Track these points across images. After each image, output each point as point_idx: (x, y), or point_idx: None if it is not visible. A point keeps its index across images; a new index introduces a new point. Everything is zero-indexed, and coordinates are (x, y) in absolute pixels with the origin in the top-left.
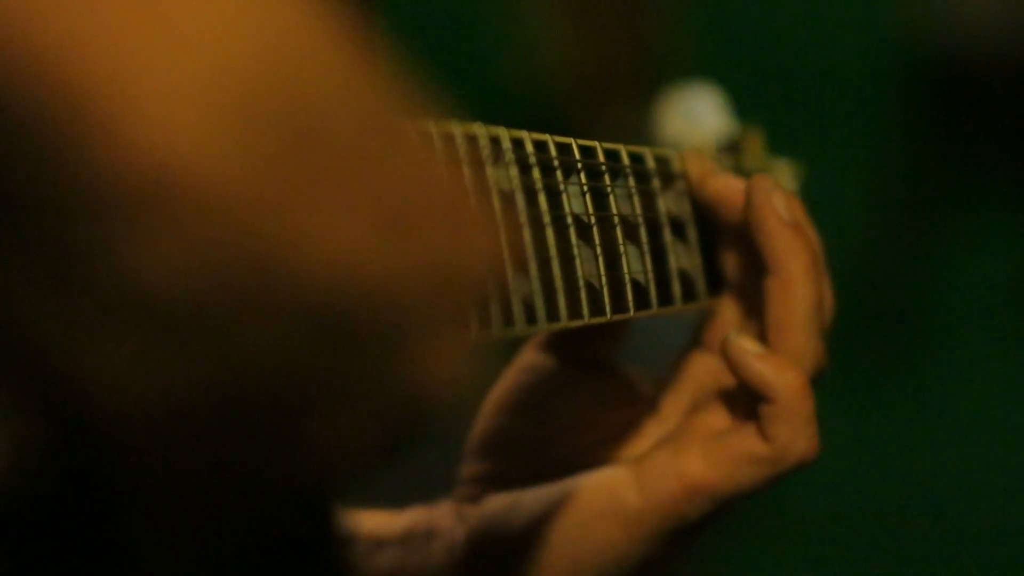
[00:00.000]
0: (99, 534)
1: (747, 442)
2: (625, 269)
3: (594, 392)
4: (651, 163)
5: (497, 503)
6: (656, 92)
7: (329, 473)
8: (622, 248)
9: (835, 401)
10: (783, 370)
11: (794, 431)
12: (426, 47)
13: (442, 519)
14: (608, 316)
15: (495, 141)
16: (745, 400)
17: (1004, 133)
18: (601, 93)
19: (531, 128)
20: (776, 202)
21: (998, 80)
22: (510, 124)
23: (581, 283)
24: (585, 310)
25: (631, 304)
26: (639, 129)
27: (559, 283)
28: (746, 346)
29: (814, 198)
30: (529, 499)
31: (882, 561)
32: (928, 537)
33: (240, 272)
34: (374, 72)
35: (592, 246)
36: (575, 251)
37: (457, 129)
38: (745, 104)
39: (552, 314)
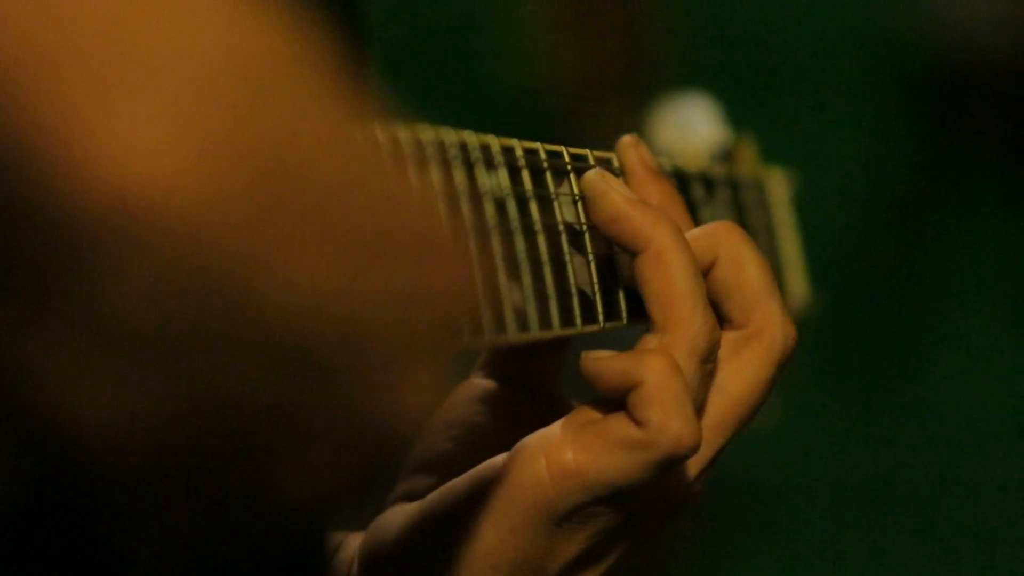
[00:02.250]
0: (69, 558)
1: (618, 426)
2: (619, 277)
3: (527, 415)
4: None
5: (384, 516)
6: (649, 99)
7: (302, 503)
8: (617, 255)
9: (835, 401)
10: (643, 356)
11: (665, 413)
12: (421, 56)
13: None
14: (601, 325)
15: (485, 148)
16: (617, 398)
17: (999, 135)
18: (595, 100)
19: (526, 135)
20: (615, 186)
21: (992, 83)
22: (504, 131)
23: (574, 291)
24: (578, 318)
25: (624, 313)
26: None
27: (551, 291)
28: (598, 354)
29: (809, 203)
30: (414, 504)
31: (880, 559)
32: (925, 529)
33: (207, 302)
34: (347, 104)
35: (584, 254)
36: (567, 259)
37: (447, 137)
38: (738, 112)
39: (544, 322)
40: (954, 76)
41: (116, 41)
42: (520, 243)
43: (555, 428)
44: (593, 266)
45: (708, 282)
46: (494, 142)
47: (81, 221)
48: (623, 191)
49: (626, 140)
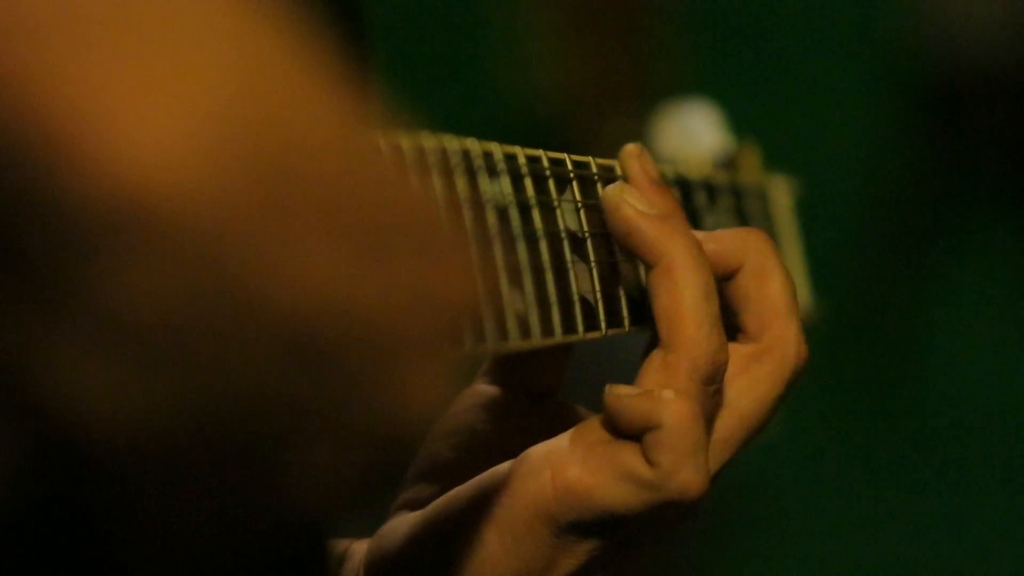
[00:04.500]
0: (74, 556)
1: (630, 458)
2: (621, 284)
3: (531, 422)
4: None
5: (388, 524)
6: (652, 106)
7: (311, 500)
8: (618, 263)
9: (838, 407)
10: (667, 400)
11: (678, 459)
12: (424, 64)
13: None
14: (603, 331)
15: (488, 155)
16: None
17: (1003, 143)
18: (598, 109)
19: (528, 143)
20: (631, 200)
21: (996, 91)
22: (507, 139)
23: (576, 298)
24: (580, 325)
25: (626, 320)
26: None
27: (553, 298)
28: (621, 389)
29: (812, 210)
30: (417, 513)
31: (881, 560)
32: (928, 531)
33: (217, 299)
34: (353, 103)
35: (587, 261)
36: (569, 266)
37: (449, 144)
38: (740, 119)
39: (547, 329)
40: (957, 83)
41: (125, 38)
42: (522, 250)
43: (563, 441)
44: (595, 273)
45: (730, 289)
46: (497, 149)
47: (91, 218)
48: (639, 204)
49: (629, 149)
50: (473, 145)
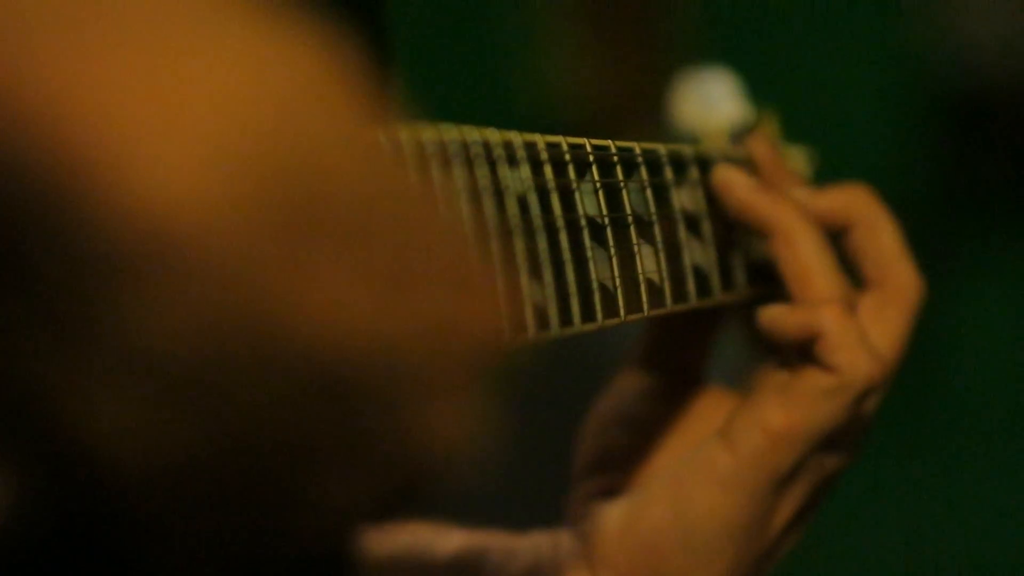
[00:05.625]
0: None
1: (814, 379)
2: (639, 269)
3: (689, 404)
4: (664, 157)
5: (597, 515)
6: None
7: (331, 532)
8: (636, 247)
9: None
10: (816, 308)
11: (852, 354)
12: (443, 76)
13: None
14: (622, 317)
15: (508, 145)
16: (801, 352)
17: (1016, 151)
18: (616, 118)
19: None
20: (737, 180)
21: (1012, 95)
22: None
23: (595, 285)
24: (599, 313)
25: (645, 304)
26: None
27: (572, 287)
28: (773, 312)
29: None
30: (632, 498)
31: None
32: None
33: (239, 333)
34: (379, 135)
35: (606, 247)
36: (589, 253)
37: (469, 136)
38: (759, 90)
39: (565, 319)
40: (976, 83)
41: (148, 63)
42: (542, 239)
43: (754, 401)
44: (615, 260)
45: (847, 244)
46: (516, 138)
47: (110, 246)
48: (745, 182)
49: (759, 134)
50: (493, 135)
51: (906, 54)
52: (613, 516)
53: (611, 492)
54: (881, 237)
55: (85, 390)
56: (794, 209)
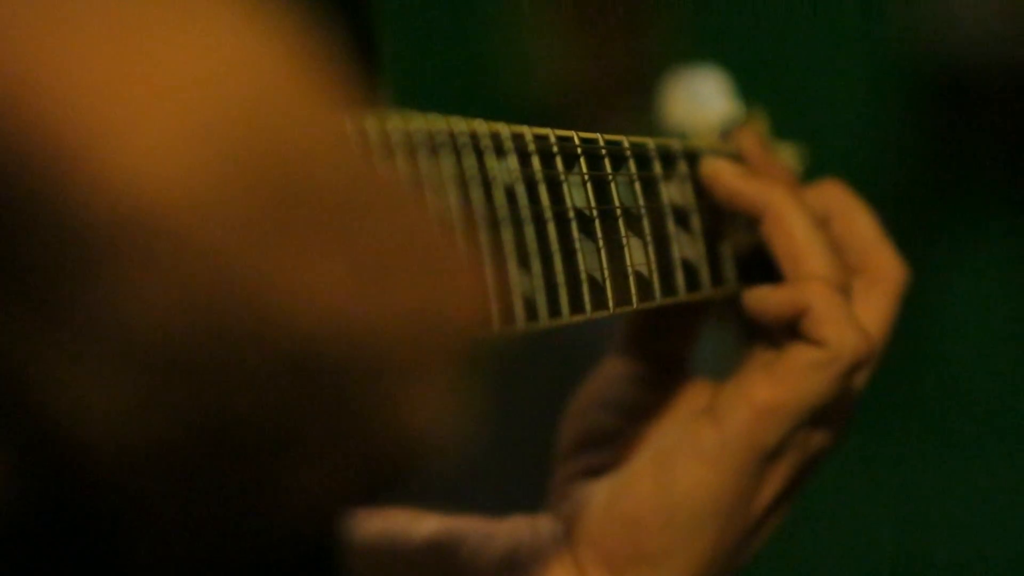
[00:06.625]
0: (72, 568)
1: (801, 353)
2: (628, 261)
3: (673, 393)
4: (653, 151)
5: (581, 493)
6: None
7: (311, 516)
8: (624, 240)
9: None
10: (802, 284)
11: (839, 327)
12: (426, 61)
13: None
14: (611, 310)
15: (495, 135)
16: (789, 328)
17: (1008, 136)
18: (601, 104)
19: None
20: (725, 168)
21: (997, 83)
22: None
23: (583, 277)
24: (587, 304)
25: (634, 296)
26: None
27: (561, 278)
28: (760, 291)
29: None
30: (617, 475)
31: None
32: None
33: (220, 315)
34: (358, 116)
35: (594, 239)
36: (577, 245)
37: (456, 126)
38: (748, 88)
39: (554, 310)
40: (962, 72)
41: (131, 47)
42: (530, 230)
43: (741, 377)
44: (603, 252)
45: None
46: (504, 129)
47: (93, 229)
48: (733, 170)
49: (748, 127)
50: (480, 126)
51: (892, 44)
52: (596, 494)
53: (594, 472)
54: (858, 225)
55: (67, 371)
56: (784, 190)
